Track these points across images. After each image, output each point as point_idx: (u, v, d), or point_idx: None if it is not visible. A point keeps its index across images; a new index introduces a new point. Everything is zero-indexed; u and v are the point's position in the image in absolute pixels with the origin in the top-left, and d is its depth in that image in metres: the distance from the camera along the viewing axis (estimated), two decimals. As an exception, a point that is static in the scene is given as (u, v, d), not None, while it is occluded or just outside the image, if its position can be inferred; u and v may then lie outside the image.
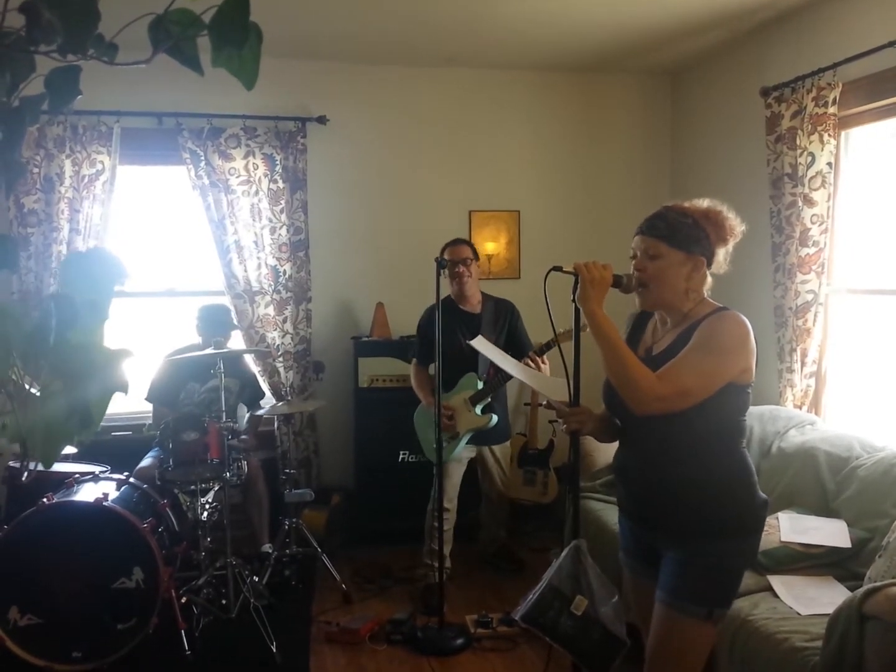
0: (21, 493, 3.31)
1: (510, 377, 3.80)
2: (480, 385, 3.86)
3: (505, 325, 3.99)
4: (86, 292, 0.78)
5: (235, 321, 4.37)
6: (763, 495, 2.06)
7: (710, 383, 1.94)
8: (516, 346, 3.86)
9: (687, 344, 1.98)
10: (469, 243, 4.04)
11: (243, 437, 3.88)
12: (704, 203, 2.10)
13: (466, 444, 3.91)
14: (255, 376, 4.45)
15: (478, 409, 3.85)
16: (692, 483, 2.01)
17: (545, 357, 3.67)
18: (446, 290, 3.93)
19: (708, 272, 2.09)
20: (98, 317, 0.79)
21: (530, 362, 3.59)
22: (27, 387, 0.83)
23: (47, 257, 4.15)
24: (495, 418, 3.86)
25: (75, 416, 0.77)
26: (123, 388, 0.82)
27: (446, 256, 3.86)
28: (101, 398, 0.80)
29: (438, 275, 3.56)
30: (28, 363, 0.79)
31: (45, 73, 0.89)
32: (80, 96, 0.89)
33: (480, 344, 3.05)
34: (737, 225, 2.09)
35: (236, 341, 4.45)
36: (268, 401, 4.51)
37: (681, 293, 2.06)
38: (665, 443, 2.02)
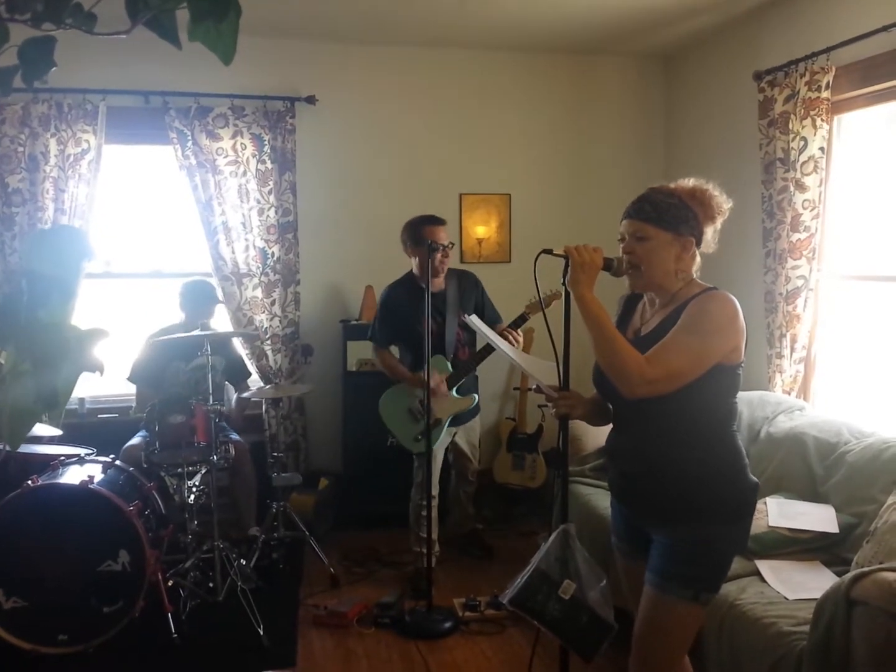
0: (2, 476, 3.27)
1: (482, 360, 3.77)
2: (450, 368, 3.80)
3: (472, 299, 3.91)
4: (52, 270, 0.75)
5: (220, 296, 4.32)
6: (754, 478, 2.06)
7: (699, 364, 1.93)
8: (484, 319, 3.73)
9: (675, 324, 1.97)
10: (445, 223, 3.87)
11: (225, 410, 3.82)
12: (690, 182, 2.09)
13: (447, 426, 3.87)
14: (240, 355, 4.42)
15: (454, 392, 3.81)
16: (682, 466, 2.00)
17: (518, 330, 3.65)
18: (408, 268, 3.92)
19: (697, 252, 2.08)
20: (66, 294, 0.76)
21: (507, 336, 3.56)
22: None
23: (32, 237, 4.09)
24: (476, 397, 3.83)
25: (42, 396, 0.75)
26: (97, 369, 0.80)
27: (426, 236, 3.65)
28: (68, 378, 0.77)
29: (428, 257, 3.49)
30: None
31: (18, 44, 0.85)
32: (54, 68, 0.86)
33: (473, 324, 3.02)
34: (724, 202, 2.08)
35: (221, 319, 4.41)
36: (255, 383, 4.48)
37: (670, 274, 2.05)
38: (655, 425, 2.02)
